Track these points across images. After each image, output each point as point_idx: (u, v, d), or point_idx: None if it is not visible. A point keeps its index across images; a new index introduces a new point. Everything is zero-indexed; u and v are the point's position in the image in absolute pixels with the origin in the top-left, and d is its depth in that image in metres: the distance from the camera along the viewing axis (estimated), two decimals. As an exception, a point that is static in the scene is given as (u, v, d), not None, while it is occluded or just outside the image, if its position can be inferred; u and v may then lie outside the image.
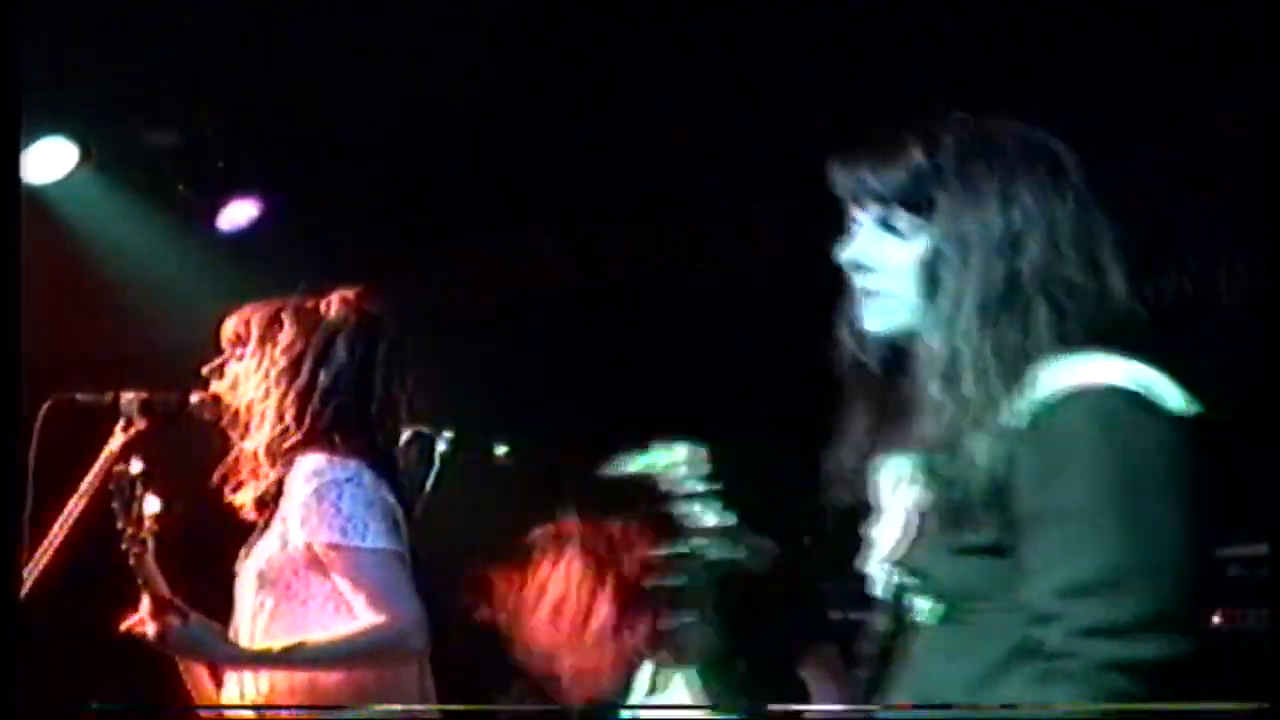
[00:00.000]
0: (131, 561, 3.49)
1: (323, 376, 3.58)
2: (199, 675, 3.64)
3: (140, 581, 3.50)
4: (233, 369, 3.66)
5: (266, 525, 3.60)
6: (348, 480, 3.49)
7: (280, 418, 3.56)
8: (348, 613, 3.47)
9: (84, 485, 3.54)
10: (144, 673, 3.70)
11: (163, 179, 5.74)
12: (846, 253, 2.33)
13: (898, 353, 2.31)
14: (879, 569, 2.32)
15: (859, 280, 2.32)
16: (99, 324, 6.16)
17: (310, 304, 3.71)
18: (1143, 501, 2.07)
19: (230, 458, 3.61)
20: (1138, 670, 2.01)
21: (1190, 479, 2.11)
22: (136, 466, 3.48)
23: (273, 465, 3.56)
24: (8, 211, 2.57)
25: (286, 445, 3.55)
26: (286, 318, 3.66)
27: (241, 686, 3.60)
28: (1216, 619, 4.42)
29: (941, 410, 2.18)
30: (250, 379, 3.61)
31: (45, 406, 3.56)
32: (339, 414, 3.57)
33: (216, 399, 3.63)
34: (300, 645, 3.49)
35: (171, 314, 5.93)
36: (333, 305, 3.69)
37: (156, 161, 5.73)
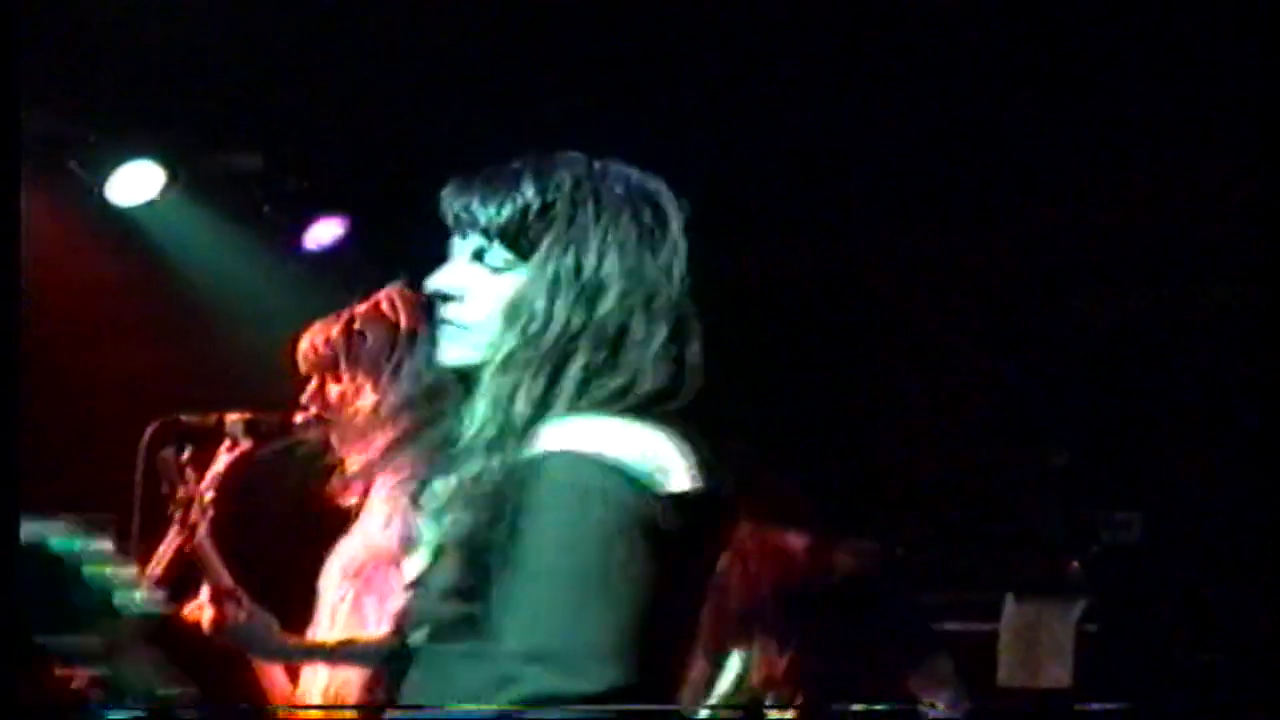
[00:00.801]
0: (181, 543, 3.53)
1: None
2: (269, 671, 3.69)
3: (199, 567, 3.54)
4: (333, 389, 3.70)
5: (355, 521, 3.65)
6: None
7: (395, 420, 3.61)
8: None
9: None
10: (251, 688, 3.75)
11: (248, 200, 5.80)
12: (435, 280, 2.28)
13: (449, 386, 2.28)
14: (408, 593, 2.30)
15: (441, 309, 2.27)
16: (188, 345, 6.24)
17: (372, 310, 3.75)
18: (607, 575, 2.05)
19: (343, 469, 3.66)
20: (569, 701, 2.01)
21: (655, 558, 2.08)
22: (170, 451, 3.52)
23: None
24: (8, 213, 2.60)
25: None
26: (364, 327, 3.71)
27: (315, 679, 3.64)
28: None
29: (459, 443, 2.17)
30: (358, 392, 3.66)
31: (151, 428, 3.61)
32: None
33: (321, 418, 3.68)
34: (350, 642, 3.53)
35: (258, 334, 6.00)
36: (395, 304, 3.73)
37: (241, 183, 5.80)
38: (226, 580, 3.55)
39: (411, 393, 2.39)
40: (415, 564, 2.28)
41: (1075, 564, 5.58)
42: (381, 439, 3.59)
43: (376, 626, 3.55)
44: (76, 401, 5.78)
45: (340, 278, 5.63)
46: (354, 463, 3.65)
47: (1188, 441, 5.78)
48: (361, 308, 3.75)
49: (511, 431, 2.12)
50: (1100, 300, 6.09)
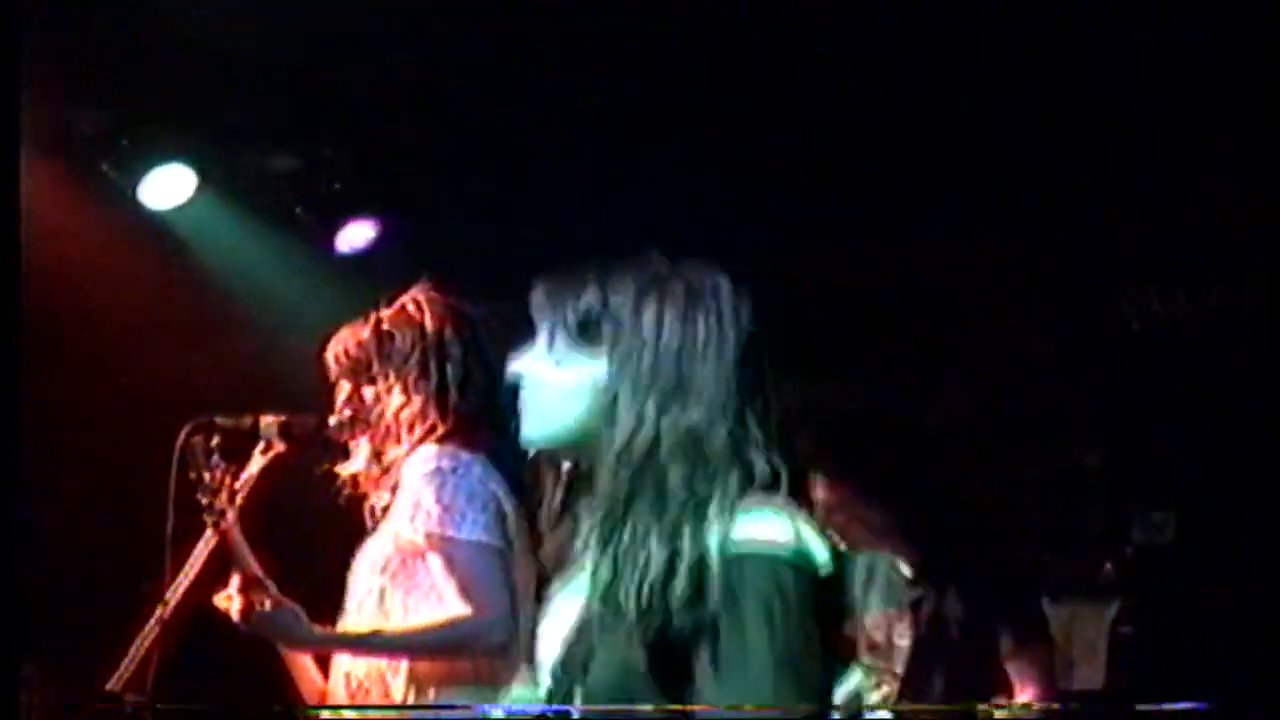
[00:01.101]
0: (210, 532, 3.55)
1: (450, 371, 3.66)
2: (301, 660, 3.71)
3: (228, 556, 3.56)
4: (368, 391, 3.72)
5: (385, 517, 3.67)
6: (453, 471, 3.57)
7: (424, 417, 3.64)
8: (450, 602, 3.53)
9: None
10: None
11: (280, 202, 5.81)
12: (513, 365, 2.40)
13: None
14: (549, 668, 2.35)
15: (521, 392, 2.38)
16: (221, 347, 6.26)
17: (399, 312, 3.78)
18: (798, 659, 2.18)
19: (376, 468, 3.69)
20: None
21: (821, 633, 2.23)
22: (200, 440, 3.54)
23: None
24: (8, 214, 2.61)
25: (438, 438, 3.64)
26: (393, 329, 3.74)
27: (345, 670, 3.66)
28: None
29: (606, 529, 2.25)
30: (390, 394, 3.68)
31: (186, 430, 3.63)
32: (473, 404, 3.65)
33: (355, 420, 3.70)
34: (377, 632, 3.56)
35: (291, 336, 6.01)
36: (422, 307, 3.76)
37: (274, 185, 5.81)
38: (255, 570, 3.59)
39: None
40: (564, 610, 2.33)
41: (1108, 565, 5.58)
42: (410, 437, 3.64)
43: (402, 620, 3.57)
44: (110, 403, 5.81)
45: (373, 280, 5.65)
46: (387, 459, 3.69)
47: (1222, 441, 5.76)
48: (388, 311, 3.77)
49: (659, 524, 2.23)
50: (1135, 299, 6.07)
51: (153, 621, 3.54)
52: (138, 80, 5.31)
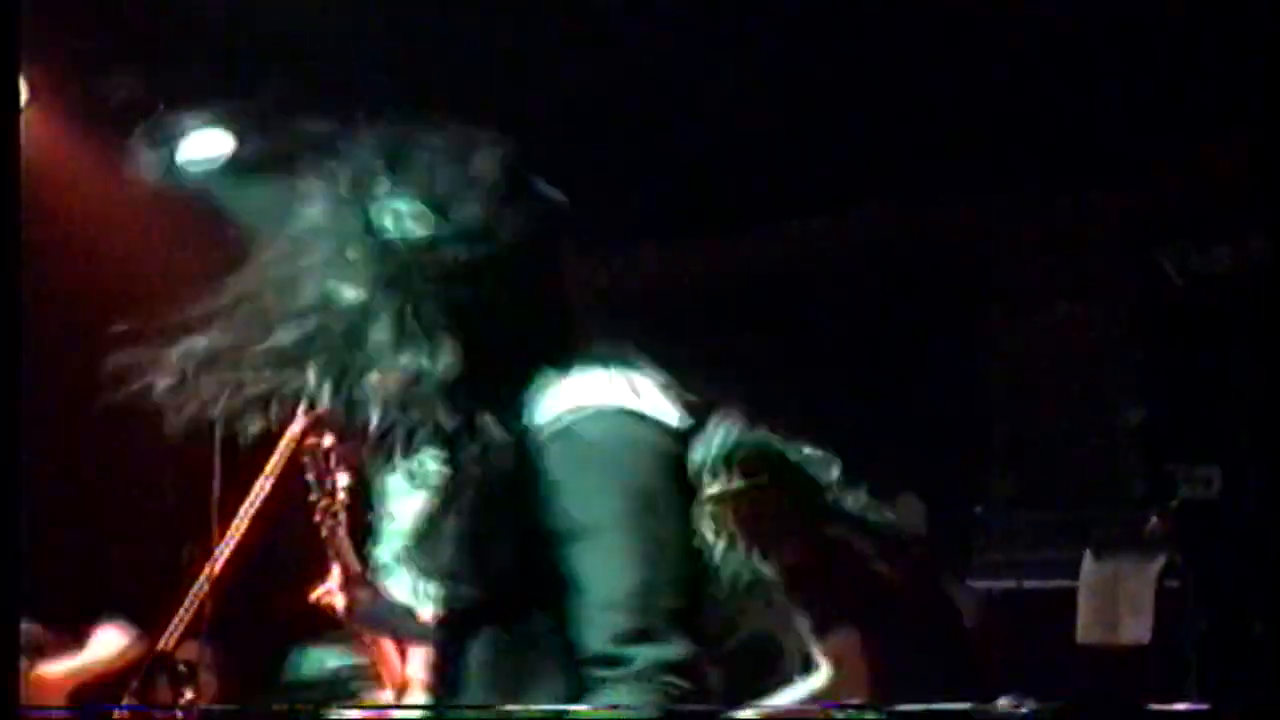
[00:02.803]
0: (324, 534, 3.53)
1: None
2: (385, 650, 3.68)
3: (331, 554, 3.54)
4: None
5: None
6: None
7: None
8: None
9: (269, 466, 3.59)
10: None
11: (316, 166, 5.79)
12: None
13: None
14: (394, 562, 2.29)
15: None
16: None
17: None
18: (656, 516, 2.12)
19: None
20: (678, 668, 2.06)
21: (686, 491, 2.17)
22: (328, 439, 3.51)
23: None
24: (8, 208, 2.60)
25: None
26: None
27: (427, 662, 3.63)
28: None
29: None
30: None
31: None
32: None
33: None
34: None
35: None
36: None
37: (310, 149, 5.79)
38: (357, 565, 3.56)
39: None
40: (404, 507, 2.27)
41: (1154, 519, 5.54)
42: None
43: None
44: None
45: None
46: None
47: (1269, 395, 5.72)
48: None
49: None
50: (1182, 256, 6.03)
51: (200, 583, 3.53)
52: (173, 45, 5.31)
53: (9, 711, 2.62)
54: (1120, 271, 6.25)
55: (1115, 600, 5.38)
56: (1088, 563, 5.49)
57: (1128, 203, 6.16)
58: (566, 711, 2.08)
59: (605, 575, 2.10)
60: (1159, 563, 5.43)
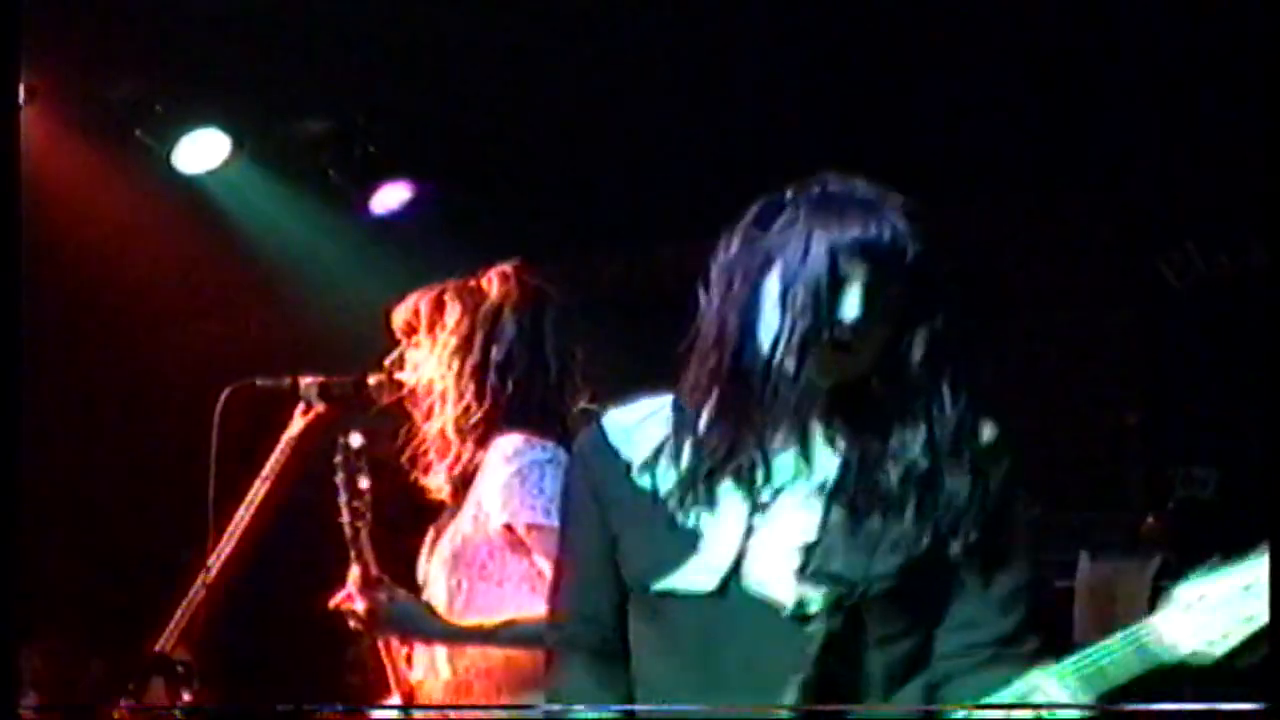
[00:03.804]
0: (349, 534, 3.50)
1: (495, 351, 3.58)
2: (395, 654, 3.65)
3: (354, 555, 3.51)
4: (411, 356, 3.68)
5: (458, 507, 3.61)
6: (548, 461, 3.46)
7: (460, 396, 3.56)
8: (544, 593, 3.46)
9: (266, 469, 3.59)
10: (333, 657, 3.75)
11: (313, 166, 5.81)
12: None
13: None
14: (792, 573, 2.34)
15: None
16: (256, 310, 6.26)
17: (472, 283, 3.71)
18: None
19: (416, 440, 3.63)
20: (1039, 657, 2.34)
21: None
22: (357, 439, 3.50)
23: (461, 443, 3.57)
24: (8, 208, 2.60)
25: (471, 423, 3.56)
26: (450, 298, 3.67)
27: (433, 666, 3.61)
28: None
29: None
30: (427, 362, 3.63)
31: (225, 393, 3.60)
32: (519, 388, 3.57)
33: (393, 382, 3.66)
34: (510, 624, 3.47)
35: (326, 298, 6.01)
36: (493, 281, 3.69)
37: (307, 149, 5.81)
38: (375, 569, 3.52)
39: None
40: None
41: (1151, 520, 5.54)
42: (443, 413, 3.59)
43: (495, 612, 3.50)
44: (146, 368, 5.83)
45: (407, 242, 5.65)
46: (427, 431, 3.63)
47: (1265, 397, 5.72)
48: (460, 280, 3.71)
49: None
50: (1177, 258, 6.04)
51: (198, 584, 3.53)
52: (170, 45, 5.31)
53: (9, 711, 2.62)
54: (1117, 274, 6.25)
55: (1112, 601, 5.38)
56: (1084, 563, 5.50)
57: (1126, 205, 6.16)
58: (569, 711, 2.06)
59: (1009, 571, 2.37)
60: (1156, 563, 5.43)
